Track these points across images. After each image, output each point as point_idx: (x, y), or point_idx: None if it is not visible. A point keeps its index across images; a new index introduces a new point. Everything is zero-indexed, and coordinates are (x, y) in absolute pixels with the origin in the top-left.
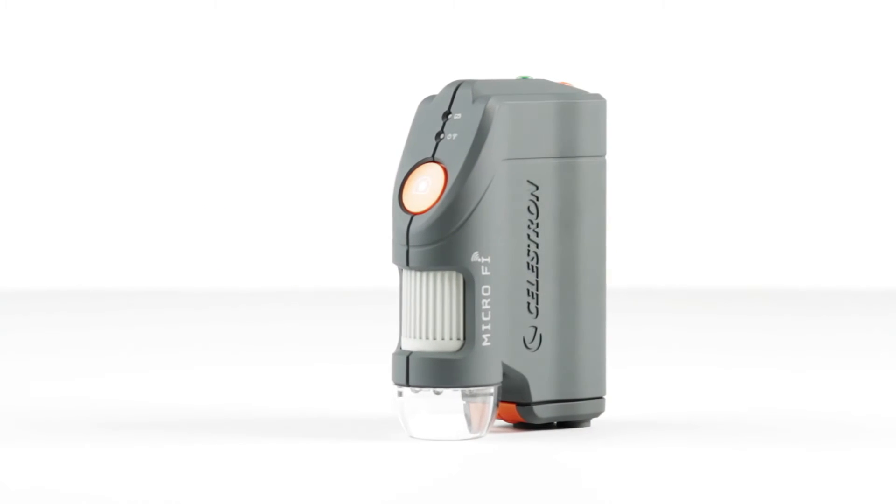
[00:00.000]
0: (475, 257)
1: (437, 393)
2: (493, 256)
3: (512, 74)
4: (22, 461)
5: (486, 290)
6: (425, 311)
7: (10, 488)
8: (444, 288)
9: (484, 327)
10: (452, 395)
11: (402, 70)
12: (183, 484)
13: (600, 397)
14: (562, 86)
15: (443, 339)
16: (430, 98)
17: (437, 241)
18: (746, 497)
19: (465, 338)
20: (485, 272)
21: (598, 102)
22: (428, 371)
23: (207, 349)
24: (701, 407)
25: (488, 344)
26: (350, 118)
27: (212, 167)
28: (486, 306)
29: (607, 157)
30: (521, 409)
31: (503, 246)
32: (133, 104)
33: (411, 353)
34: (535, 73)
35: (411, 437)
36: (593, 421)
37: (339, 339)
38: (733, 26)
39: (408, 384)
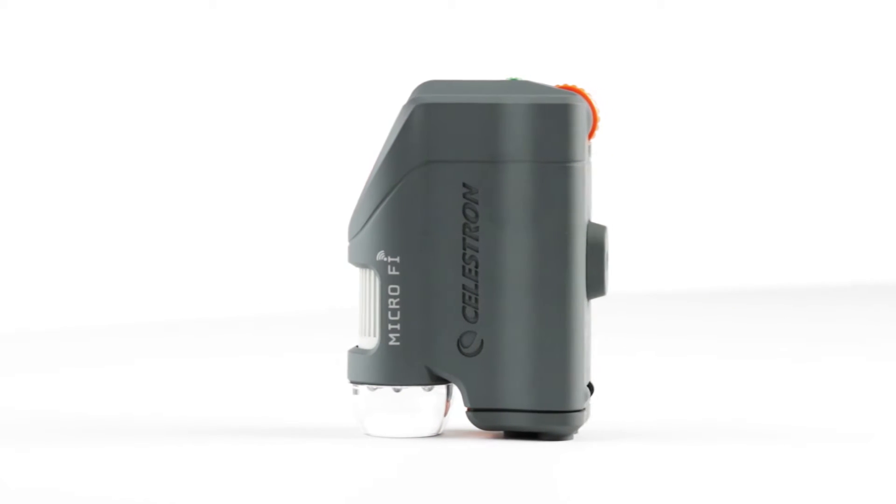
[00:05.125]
0: (380, 256)
1: (373, 389)
2: (406, 257)
3: (505, 76)
4: None
5: (393, 290)
6: (358, 306)
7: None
8: (364, 284)
9: (391, 326)
10: (397, 392)
11: (407, 70)
12: (137, 487)
13: (570, 411)
14: (544, 87)
15: (364, 335)
16: None
17: (351, 239)
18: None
19: (375, 335)
20: (392, 272)
21: (567, 107)
22: (350, 366)
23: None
24: (690, 410)
25: (396, 344)
26: (353, 118)
27: (207, 172)
28: (395, 306)
29: (583, 162)
30: (467, 414)
31: (425, 247)
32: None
33: (352, 347)
34: (536, 77)
35: (367, 434)
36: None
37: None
38: (730, 28)
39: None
